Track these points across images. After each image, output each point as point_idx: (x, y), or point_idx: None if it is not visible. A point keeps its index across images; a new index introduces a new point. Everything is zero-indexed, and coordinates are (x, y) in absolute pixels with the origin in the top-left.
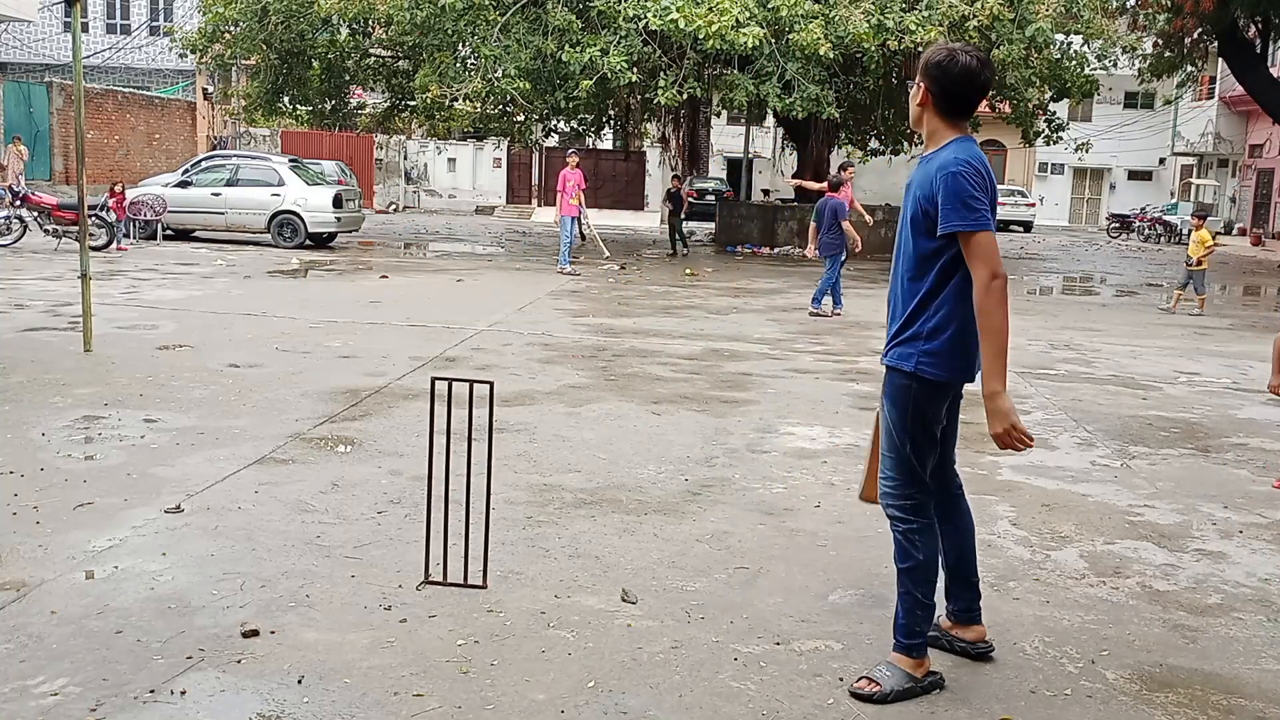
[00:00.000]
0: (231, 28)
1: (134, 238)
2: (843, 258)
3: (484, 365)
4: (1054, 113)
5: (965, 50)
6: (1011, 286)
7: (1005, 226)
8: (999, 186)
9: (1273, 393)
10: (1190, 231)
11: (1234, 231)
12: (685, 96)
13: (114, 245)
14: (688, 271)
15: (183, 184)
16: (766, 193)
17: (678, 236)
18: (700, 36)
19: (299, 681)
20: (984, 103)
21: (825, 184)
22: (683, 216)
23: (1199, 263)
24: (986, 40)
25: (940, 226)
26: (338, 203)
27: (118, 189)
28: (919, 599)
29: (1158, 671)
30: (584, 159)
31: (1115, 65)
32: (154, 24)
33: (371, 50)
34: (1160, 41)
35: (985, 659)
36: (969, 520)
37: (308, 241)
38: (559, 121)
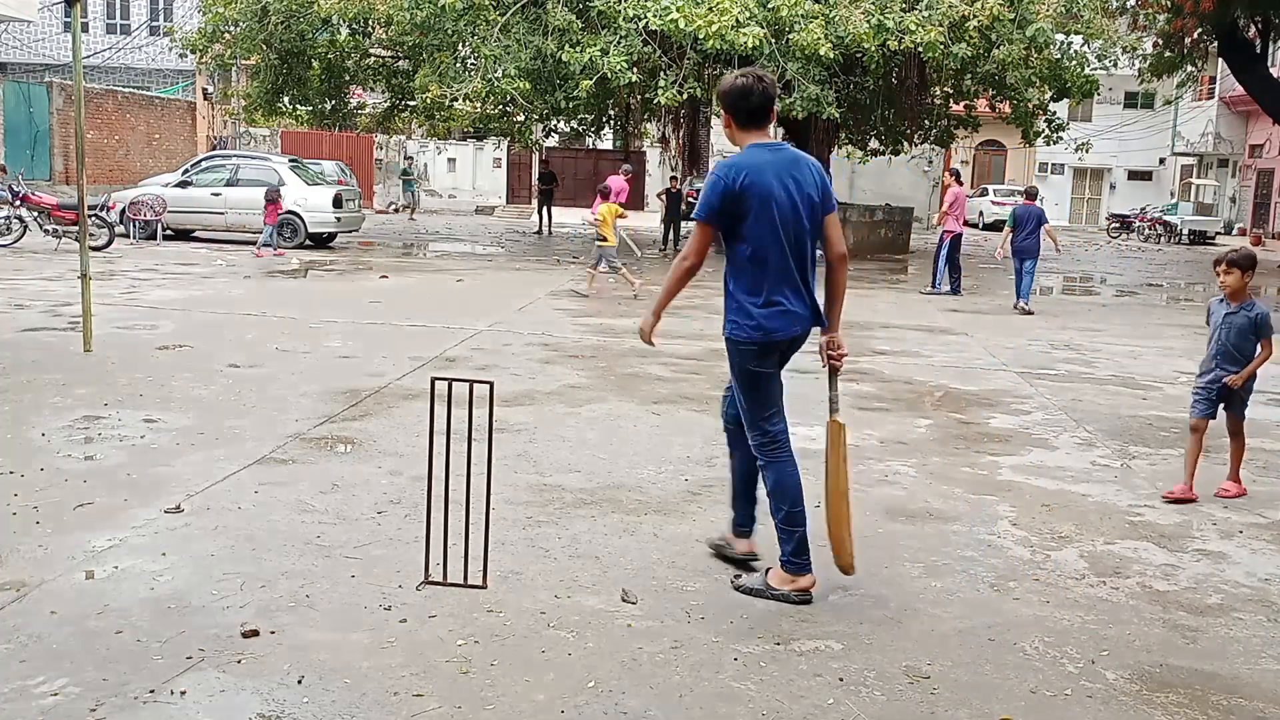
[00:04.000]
0: (231, 28)
1: (134, 239)
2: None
3: (484, 365)
4: (1054, 113)
5: (740, 74)
6: (1005, 288)
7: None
8: (998, 186)
9: None
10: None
11: (1234, 231)
12: (685, 96)
13: (268, 250)
14: None
15: (183, 184)
16: None
17: (670, 236)
18: (700, 36)
19: (299, 681)
20: (984, 102)
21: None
22: (681, 214)
23: (604, 238)
24: (987, 40)
25: (824, 210)
26: (337, 203)
27: (279, 199)
28: (788, 513)
29: (1158, 671)
30: (584, 158)
31: (1115, 65)
32: (154, 24)
33: (371, 50)
34: (1160, 41)
35: (749, 568)
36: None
37: (308, 241)
38: (559, 121)
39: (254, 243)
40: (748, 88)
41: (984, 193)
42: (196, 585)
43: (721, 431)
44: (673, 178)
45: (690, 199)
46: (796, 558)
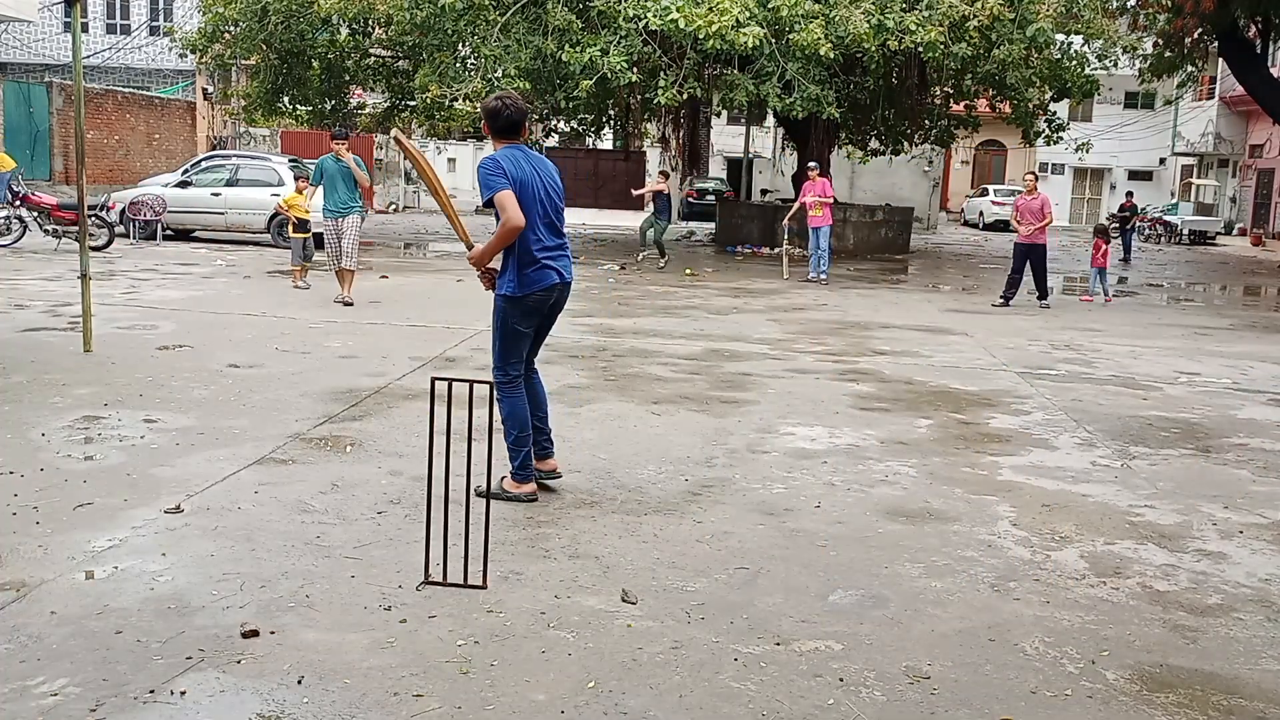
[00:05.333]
0: (231, 28)
1: (134, 239)
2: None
3: (484, 365)
4: (1054, 113)
5: (497, 96)
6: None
7: (1005, 226)
8: (998, 187)
9: None
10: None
11: (1234, 232)
12: (685, 96)
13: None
14: (688, 271)
15: (183, 184)
16: (765, 193)
17: (649, 241)
18: (700, 36)
19: (299, 681)
20: (984, 102)
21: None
22: (665, 220)
23: (295, 228)
24: (987, 40)
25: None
26: None
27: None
28: (517, 436)
29: (1158, 672)
30: (584, 158)
31: (1115, 65)
32: (154, 24)
33: (371, 50)
34: (1160, 41)
35: (555, 477)
36: (542, 392)
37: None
38: (559, 121)
39: (256, 243)
40: (495, 109)
41: (984, 193)
42: (196, 585)
43: (719, 430)
44: (662, 173)
45: (690, 199)
46: (522, 470)
